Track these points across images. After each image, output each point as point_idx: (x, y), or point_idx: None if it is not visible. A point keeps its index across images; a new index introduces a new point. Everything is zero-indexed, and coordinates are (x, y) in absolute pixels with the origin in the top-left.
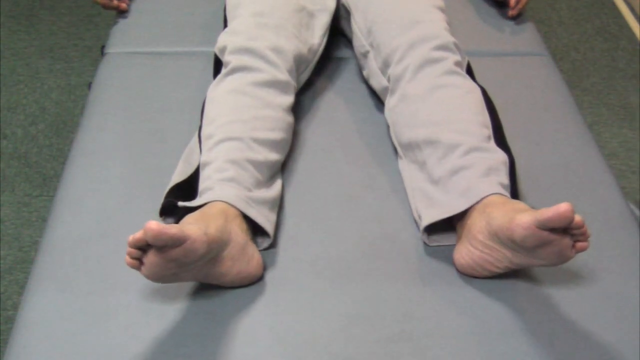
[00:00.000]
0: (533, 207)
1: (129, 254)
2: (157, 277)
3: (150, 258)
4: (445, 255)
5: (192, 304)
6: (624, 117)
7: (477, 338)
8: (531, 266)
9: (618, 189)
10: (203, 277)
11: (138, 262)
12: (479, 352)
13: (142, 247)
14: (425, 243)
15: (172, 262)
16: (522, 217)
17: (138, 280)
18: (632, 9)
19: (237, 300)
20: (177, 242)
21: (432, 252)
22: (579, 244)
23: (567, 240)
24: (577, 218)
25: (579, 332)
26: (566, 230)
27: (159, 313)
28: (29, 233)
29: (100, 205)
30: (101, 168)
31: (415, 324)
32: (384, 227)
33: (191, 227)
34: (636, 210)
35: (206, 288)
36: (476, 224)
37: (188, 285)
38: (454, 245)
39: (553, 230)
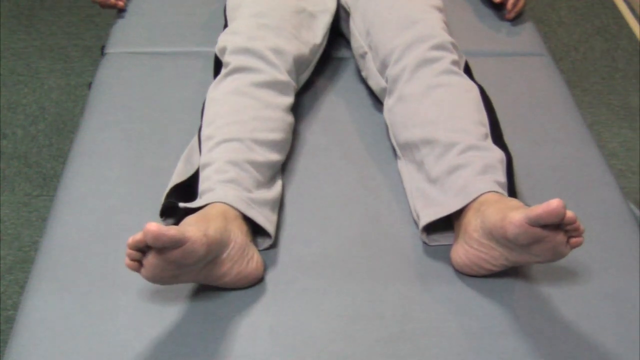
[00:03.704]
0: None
1: (129, 256)
2: (157, 278)
3: (150, 260)
4: (445, 255)
5: (193, 304)
6: (624, 117)
7: (477, 338)
8: (528, 263)
9: (618, 189)
10: (203, 279)
11: (138, 263)
12: (479, 352)
13: (142, 249)
14: (425, 242)
15: (171, 264)
16: (514, 215)
17: (138, 280)
18: (632, 9)
19: (237, 300)
20: (177, 243)
21: (432, 251)
22: (573, 240)
23: (560, 237)
24: (569, 214)
25: (579, 332)
26: (559, 227)
27: (159, 313)
28: (29, 233)
29: (100, 206)
30: (101, 168)
31: (415, 324)
32: (383, 226)
33: (191, 228)
34: (636, 210)
35: (206, 288)
36: (471, 223)
37: (188, 286)
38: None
39: (545, 226)
